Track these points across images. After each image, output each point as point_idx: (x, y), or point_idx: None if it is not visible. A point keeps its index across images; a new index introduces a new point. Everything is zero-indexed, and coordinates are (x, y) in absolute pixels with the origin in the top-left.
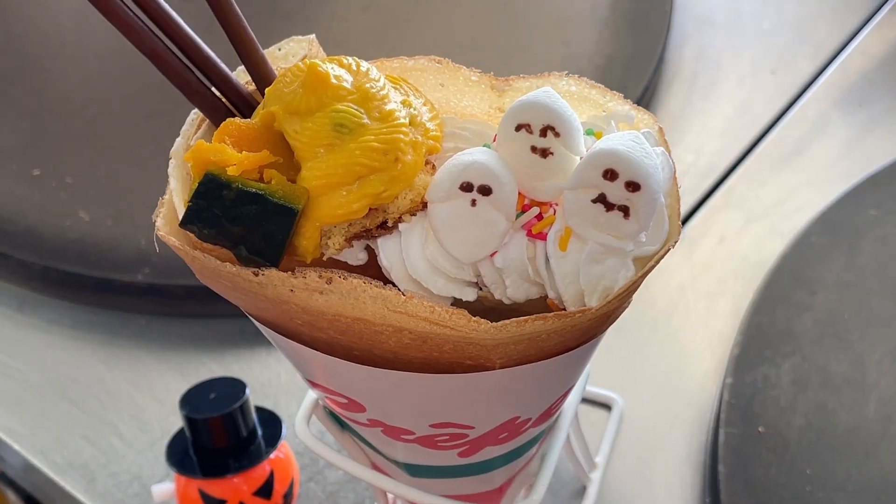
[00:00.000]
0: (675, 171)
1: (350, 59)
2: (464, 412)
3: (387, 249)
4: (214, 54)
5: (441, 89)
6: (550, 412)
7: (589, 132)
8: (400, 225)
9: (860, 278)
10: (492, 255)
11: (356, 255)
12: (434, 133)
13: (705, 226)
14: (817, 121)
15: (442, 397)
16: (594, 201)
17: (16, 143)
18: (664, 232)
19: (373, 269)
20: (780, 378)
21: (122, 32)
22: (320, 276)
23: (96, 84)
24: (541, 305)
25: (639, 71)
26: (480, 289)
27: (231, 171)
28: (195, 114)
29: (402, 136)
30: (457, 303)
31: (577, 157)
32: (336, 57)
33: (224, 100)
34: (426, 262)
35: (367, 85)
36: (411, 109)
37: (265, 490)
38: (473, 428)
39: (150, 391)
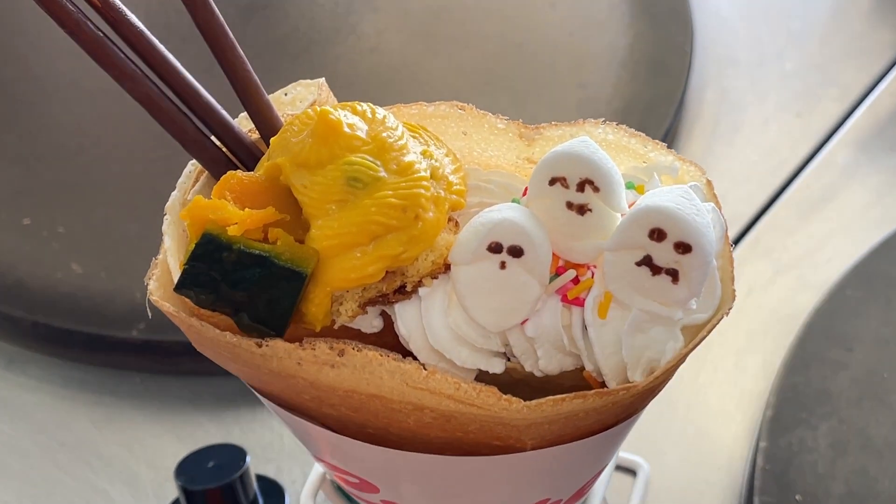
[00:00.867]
0: (726, 230)
1: (364, 105)
2: (489, 495)
3: (405, 316)
4: (214, 100)
5: (464, 138)
6: (582, 492)
7: (630, 186)
8: (420, 290)
9: None
10: (522, 322)
11: (371, 323)
12: (458, 187)
13: None
14: (846, 166)
15: (465, 480)
16: (638, 264)
17: (6, 191)
18: (716, 298)
19: (389, 337)
20: (818, 442)
21: (114, 77)
22: (331, 348)
23: (91, 129)
24: (576, 378)
25: (659, 115)
26: (509, 359)
27: (232, 231)
28: (193, 165)
29: (422, 190)
30: (482, 375)
31: (619, 215)
32: (349, 103)
33: (225, 150)
34: (449, 330)
35: (384, 134)
36: (432, 161)
37: None
38: None
39: (144, 456)
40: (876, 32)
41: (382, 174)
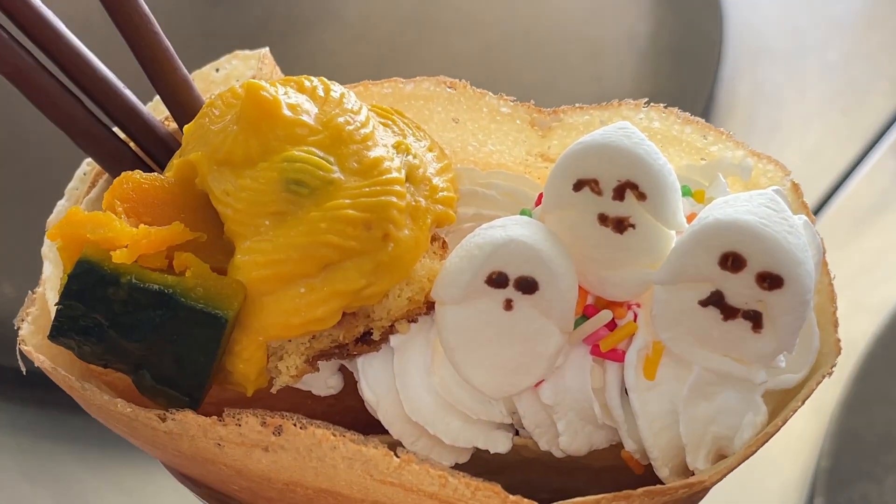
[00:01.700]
0: (824, 254)
1: (314, 79)
2: None
3: (371, 375)
4: (116, 78)
5: (455, 127)
6: None
7: (685, 192)
8: (391, 338)
9: None
10: (536, 385)
11: (325, 383)
12: (445, 193)
13: None
14: None
15: None
16: (704, 304)
17: None
18: (812, 351)
19: (352, 401)
20: (884, 497)
21: None
22: (264, 424)
23: (32, 131)
24: (611, 457)
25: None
26: (517, 432)
27: (119, 257)
28: (89, 164)
29: (394, 198)
30: (480, 455)
31: (673, 233)
32: (294, 77)
33: (132, 145)
34: (433, 395)
35: (340, 119)
36: (409, 157)
37: None
38: None
39: None
40: None
41: (337, 175)
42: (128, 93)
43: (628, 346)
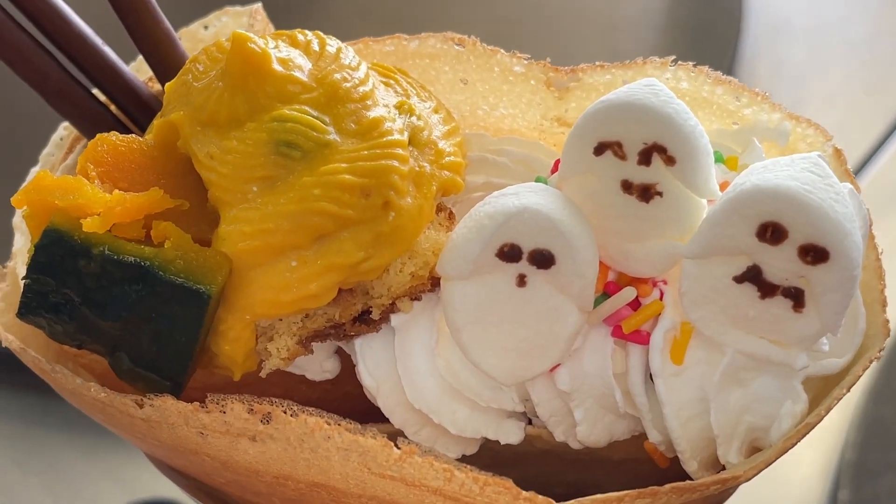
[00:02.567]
0: (870, 225)
1: (309, 33)
2: None
3: (371, 358)
4: (95, 34)
5: (464, 88)
6: None
7: (717, 158)
8: (392, 318)
9: None
10: (551, 369)
11: (319, 367)
12: (452, 158)
13: None
14: None
15: None
16: (739, 279)
17: None
18: (858, 332)
19: (350, 387)
20: None
21: None
22: (251, 411)
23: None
24: (632, 449)
25: None
26: (530, 421)
27: (90, 226)
28: (65, 129)
29: (395, 162)
30: (488, 446)
31: (704, 201)
32: (287, 31)
33: (113, 107)
34: (437, 379)
35: (337, 76)
36: (412, 118)
37: None
38: None
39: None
40: None
41: (332, 136)
42: (107, 50)
43: (653, 327)
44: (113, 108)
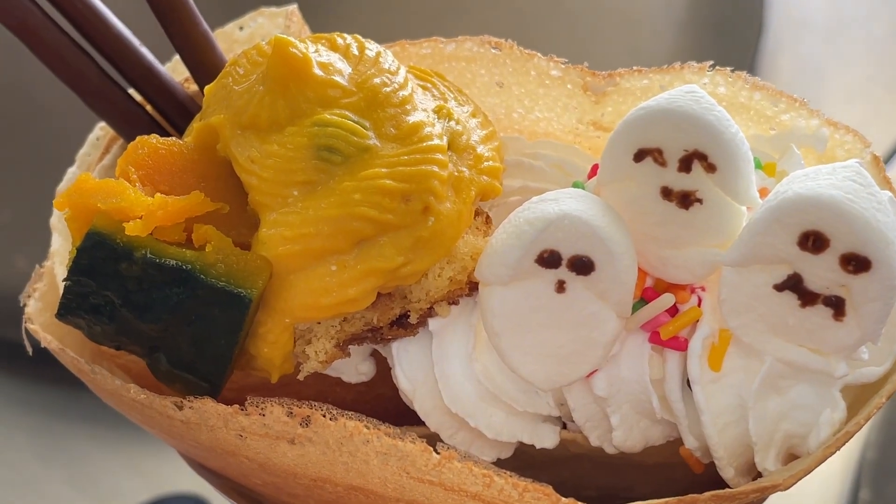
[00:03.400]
0: None
1: (348, 37)
2: None
3: (408, 362)
4: (132, 34)
5: (500, 91)
6: None
7: (755, 164)
8: (430, 322)
9: None
10: (588, 375)
11: (356, 369)
12: (490, 163)
13: None
14: None
15: None
16: (779, 288)
17: None
18: None
19: (385, 388)
20: None
21: None
22: (290, 414)
23: (46, 97)
24: (667, 454)
25: None
26: (565, 425)
27: (133, 229)
28: (102, 129)
29: (435, 167)
30: (522, 449)
31: (744, 209)
32: (325, 34)
33: (149, 107)
34: (474, 383)
35: (377, 80)
36: (451, 123)
37: None
38: None
39: (96, 496)
40: None
41: (373, 141)
42: (144, 51)
43: (691, 333)
44: (149, 108)
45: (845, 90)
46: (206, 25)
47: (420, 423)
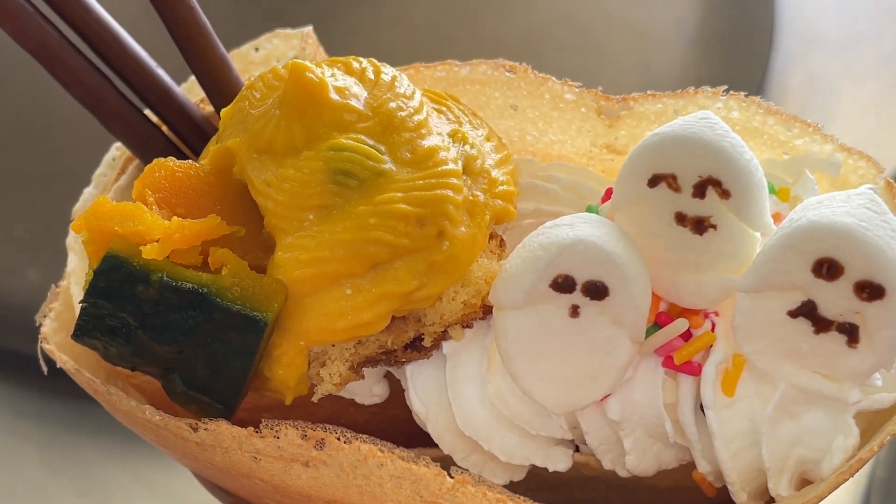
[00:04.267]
0: None
1: (364, 60)
2: None
3: (422, 384)
4: (149, 56)
5: (514, 114)
6: None
7: (770, 189)
8: (444, 345)
9: None
10: (602, 399)
11: (369, 391)
12: (504, 187)
13: None
14: None
15: None
16: (793, 314)
17: None
18: None
19: (398, 410)
20: None
21: None
22: (304, 437)
23: (58, 110)
24: (680, 478)
25: None
26: (577, 448)
27: (150, 252)
28: (118, 149)
29: (450, 192)
30: (534, 471)
31: (758, 235)
32: (340, 58)
33: (165, 128)
34: (488, 406)
35: (392, 104)
36: (466, 147)
37: None
38: None
39: None
40: None
41: (388, 166)
42: (161, 72)
43: (705, 358)
44: (165, 129)
45: (856, 106)
46: (222, 48)
47: (433, 444)
